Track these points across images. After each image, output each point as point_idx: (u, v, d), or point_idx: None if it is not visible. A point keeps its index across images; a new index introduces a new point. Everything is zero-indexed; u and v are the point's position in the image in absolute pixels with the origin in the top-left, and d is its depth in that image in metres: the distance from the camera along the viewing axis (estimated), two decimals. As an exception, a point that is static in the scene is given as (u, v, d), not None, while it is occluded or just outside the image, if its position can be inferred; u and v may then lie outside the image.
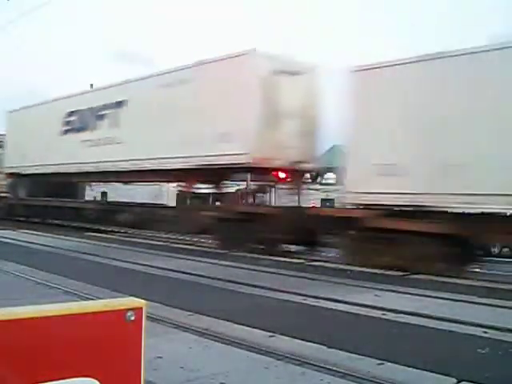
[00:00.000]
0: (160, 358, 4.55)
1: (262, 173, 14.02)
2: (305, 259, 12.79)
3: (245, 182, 16.77)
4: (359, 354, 4.91)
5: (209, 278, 9.48)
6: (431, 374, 4.44)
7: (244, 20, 59.64)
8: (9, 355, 1.21)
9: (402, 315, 6.68)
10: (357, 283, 9.20)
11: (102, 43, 69.96)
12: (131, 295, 1.52)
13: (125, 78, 17.27)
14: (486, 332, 5.84)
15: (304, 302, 7.55)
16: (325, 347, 5.17)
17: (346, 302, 7.38)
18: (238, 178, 16.29)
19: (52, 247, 13.74)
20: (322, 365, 4.57)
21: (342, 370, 4.46)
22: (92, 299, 6.02)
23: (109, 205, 21.52)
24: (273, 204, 16.64)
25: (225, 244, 14.16)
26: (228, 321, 6.12)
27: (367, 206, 11.52)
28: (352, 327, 6.33)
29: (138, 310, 1.41)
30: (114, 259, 11.65)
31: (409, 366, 4.60)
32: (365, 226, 11.20)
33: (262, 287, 8.54)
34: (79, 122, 18.86)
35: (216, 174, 14.21)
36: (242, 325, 5.96)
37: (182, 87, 14.14)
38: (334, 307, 7.21)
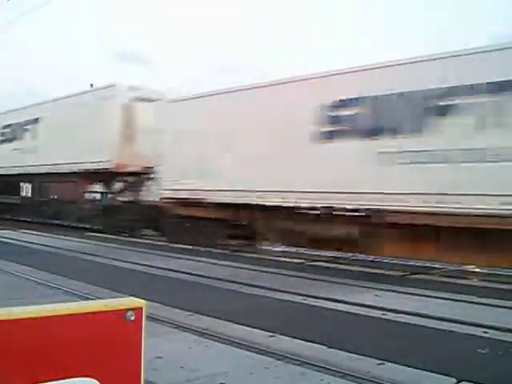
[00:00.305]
0: (160, 358, 4.56)
1: (126, 175, 18.17)
2: (305, 259, 12.81)
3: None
4: (359, 354, 4.91)
5: (209, 278, 9.48)
6: (431, 373, 4.44)
7: (244, 20, 59.51)
8: (9, 355, 1.21)
9: (401, 315, 6.68)
10: (357, 283, 9.19)
11: (102, 43, 69.85)
12: (131, 295, 1.52)
13: (40, 100, 22.40)
14: (486, 332, 5.84)
15: (304, 302, 7.55)
16: (325, 347, 5.17)
17: (346, 302, 7.38)
18: None
19: (52, 247, 13.75)
20: (322, 365, 4.58)
21: (342, 370, 4.46)
22: (92, 299, 6.02)
23: (36, 200, 24.72)
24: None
25: (106, 229, 18.16)
26: (228, 321, 6.12)
27: (174, 199, 15.39)
28: (352, 327, 6.33)
29: (138, 310, 1.41)
30: (114, 259, 11.66)
31: (409, 366, 4.60)
32: (171, 213, 15.51)
33: (262, 287, 8.55)
34: (11, 133, 23.57)
35: (101, 176, 18.23)
36: (242, 325, 5.96)
37: (73, 110, 18.67)
38: (333, 307, 7.21)
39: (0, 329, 1.20)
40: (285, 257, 13.09)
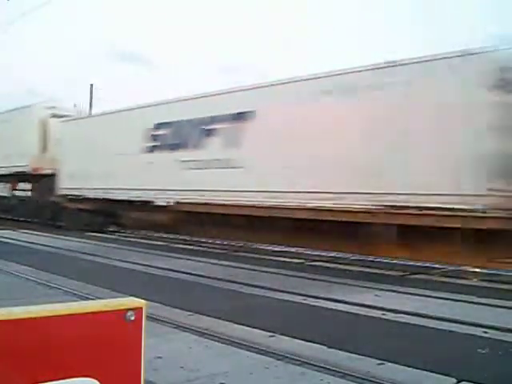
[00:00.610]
0: (160, 358, 4.56)
1: (42, 177, 21.75)
2: (305, 259, 12.82)
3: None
4: (359, 354, 4.91)
5: (209, 278, 9.48)
6: (431, 373, 4.44)
7: (244, 20, 59.58)
8: (9, 355, 1.21)
9: (401, 315, 6.68)
10: (357, 283, 9.19)
11: (102, 43, 70.05)
12: (131, 295, 1.52)
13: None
14: (486, 332, 5.84)
15: (304, 302, 7.55)
16: (325, 347, 5.17)
17: (346, 302, 7.38)
18: None
19: (52, 247, 13.76)
20: (322, 365, 4.57)
21: (342, 370, 4.46)
22: (92, 299, 6.02)
23: None
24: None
25: (29, 218, 22.48)
26: (228, 321, 6.12)
27: (68, 196, 19.74)
28: (352, 327, 6.33)
29: (138, 310, 1.41)
30: (113, 259, 11.66)
31: (409, 366, 4.60)
32: (67, 206, 19.89)
33: (262, 287, 8.54)
34: None
35: (26, 178, 22.36)
36: (242, 325, 5.96)
37: (4, 124, 22.88)
38: (334, 307, 7.20)
39: (0, 329, 1.20)
40: (285, 257, 13.10)
